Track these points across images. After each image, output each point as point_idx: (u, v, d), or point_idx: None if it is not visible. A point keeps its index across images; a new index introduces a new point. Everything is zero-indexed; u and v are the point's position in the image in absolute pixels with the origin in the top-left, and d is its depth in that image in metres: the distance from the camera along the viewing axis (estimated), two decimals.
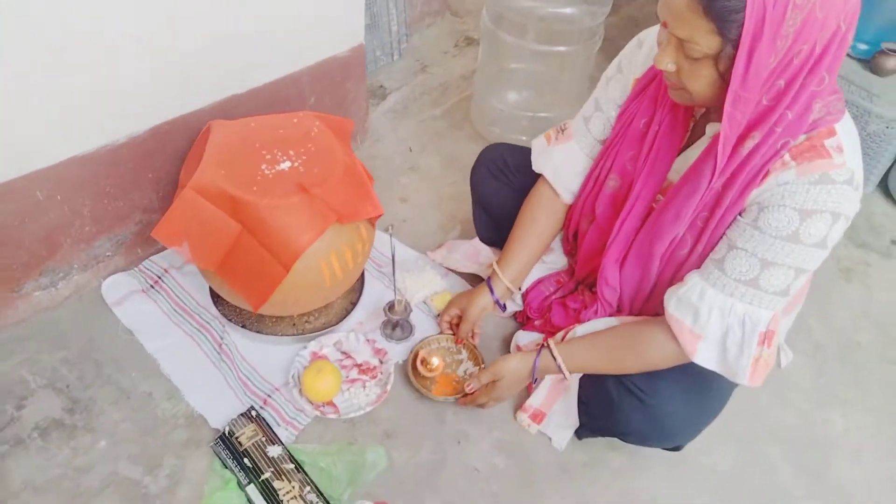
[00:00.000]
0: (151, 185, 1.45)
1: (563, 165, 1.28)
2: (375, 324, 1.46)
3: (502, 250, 1.36)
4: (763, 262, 0.96)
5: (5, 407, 1.26)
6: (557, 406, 1.29)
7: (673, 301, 1.05)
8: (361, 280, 1.52)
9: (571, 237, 1.34)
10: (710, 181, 0.98)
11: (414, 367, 1.35)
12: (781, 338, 1.33)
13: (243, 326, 1.39)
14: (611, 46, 1.99)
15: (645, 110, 1.12)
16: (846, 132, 0.93)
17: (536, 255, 1.37)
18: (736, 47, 0.83)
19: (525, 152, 1.43)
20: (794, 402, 1.42)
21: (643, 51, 1.14)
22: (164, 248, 1.56)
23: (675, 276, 1.11)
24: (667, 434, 1.12)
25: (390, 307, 1.41)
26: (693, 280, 1.03)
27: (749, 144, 0.93)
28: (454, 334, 1.40)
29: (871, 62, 1.85)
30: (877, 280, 1.71)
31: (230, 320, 1.40)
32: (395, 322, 1.44)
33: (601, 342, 1.16)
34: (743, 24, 0.81)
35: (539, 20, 1.67)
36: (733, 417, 1.34)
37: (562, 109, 1.84)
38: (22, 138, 1.20)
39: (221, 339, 1.38)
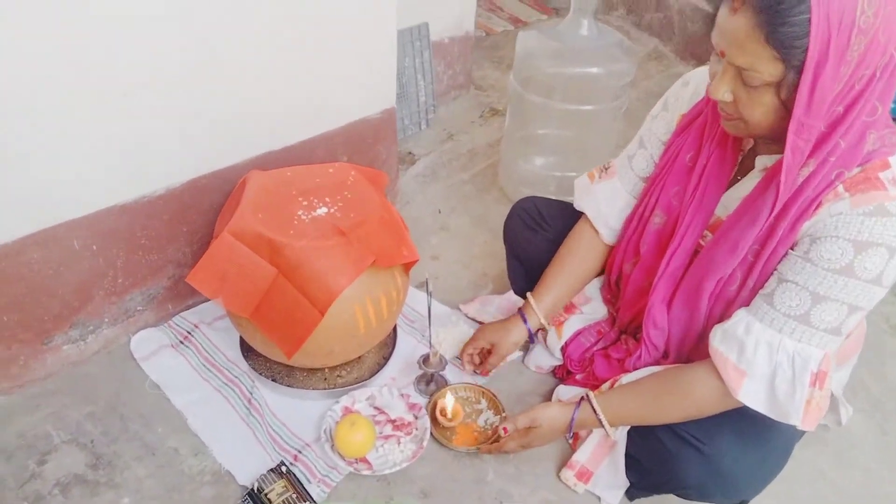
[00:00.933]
0: (185, 238, 1.45)
1: (605, 203, 1.27)
2: (408, 379, 1.41)
3: (537, 283, 1.33)
4: (814, 296, 0.91)
5: (27, 462, 1.21)
6: (606, 463, 1.21)
7: (718, 335, 1.01)
8: (394, 336, 1.48)
9: (614, 283, 1.31)
10: (771, 213, 0.95)
11: (434, 419, 1.29)
12: (839, 390, 1.25)
13: (273, 380, 1.35)
14: (632, 117, 2.04)
15: (690, 144, 1.11)
16: None
17: (572, 292, 1.35)
18: (799, 74, 0.82)
19: (558, 204, 1.42)
20: (858, 461, 1.33)
21: (689, 89, 1.15)
22: (194, 304, 1.54)
23: (723, 314, 1.06)
24: (729, 486, 1.03)
25: (425, 360, 1.36)
26: (740, 314, 0.99)
27: (804, 173, 0.91)
28: (476, 368, 1.37)
29: None
30: None
31: (260, 374, 1.36)
32: (430, 376, 1.39)
33: (641, 388, 1.11)
34: (807, 51, 0.79)
35: (566, 80, 1.71)
36: (794, 479, 1.27)
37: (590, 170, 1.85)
38: (63, 185, 1.22)
39: (251, 393, 1.33)
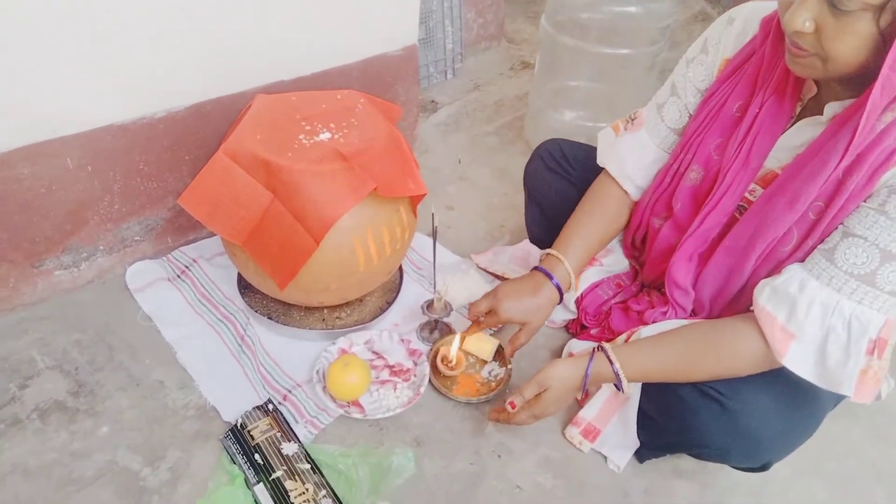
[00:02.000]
0: (187, 167, 1.38)
1: (629, 157, 1.14)
2: (412, 326, 1.32)
3: (556, 239, 1.19)
4: (885, 253, 0.79)
5: (9, 385, 1.16)
6: (615, 421, 1.11)
7: (766, 292, 0.89)
8: (400, 281, 1.40)
9: (639, 241, 1.20)
10: (841, 161, 0.82)
11: (434, 367, 1.21)
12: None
13: (269, 318, 1.28)
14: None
15: (740, 92, 0.97)
16: None
17: (593, 252, 1.19)
18: None
19: (587, 148, 1.31)
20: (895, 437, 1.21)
21: (734, 28, 1.01)
22: (195, 239, 1.48)
23: (770, 274, 0.94)
24: (753, 446, 0.92)
25: (428, 305, 1.28)
26: (793, 270, 0.87)
27: (886, 119, 0.79)
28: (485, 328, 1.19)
29: None
30: None
31: (256, 311, 1.29)
32: (434, 323, 1.30)
33: (668, 342, 0.97)
34: None
35: (602, 20, 1.59)
36: (822, 450, 1.15)
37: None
38: (56, 100, 1.15)
39: (244, 330, 1.27)
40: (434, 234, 1.21)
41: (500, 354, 1.25)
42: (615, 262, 1.27)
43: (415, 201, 1.23)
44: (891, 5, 0.70)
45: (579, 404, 1.16)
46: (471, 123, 1.98)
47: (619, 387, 0.98)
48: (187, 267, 1.41)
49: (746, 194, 0.98)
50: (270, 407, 1.12)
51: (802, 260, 0.89)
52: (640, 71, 1.70)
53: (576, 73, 1.75)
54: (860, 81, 0.80)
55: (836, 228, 0.85)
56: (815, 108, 0.91)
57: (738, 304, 1.02)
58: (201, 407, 1.15)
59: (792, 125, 0.94)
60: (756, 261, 0.95)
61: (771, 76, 0.93)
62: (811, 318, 0.83)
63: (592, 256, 1.22)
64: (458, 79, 2.15)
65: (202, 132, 1.36)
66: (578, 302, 1.26)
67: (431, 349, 1.25)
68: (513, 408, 1.03)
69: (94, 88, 1.19)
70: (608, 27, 1.60)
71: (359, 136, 1.15)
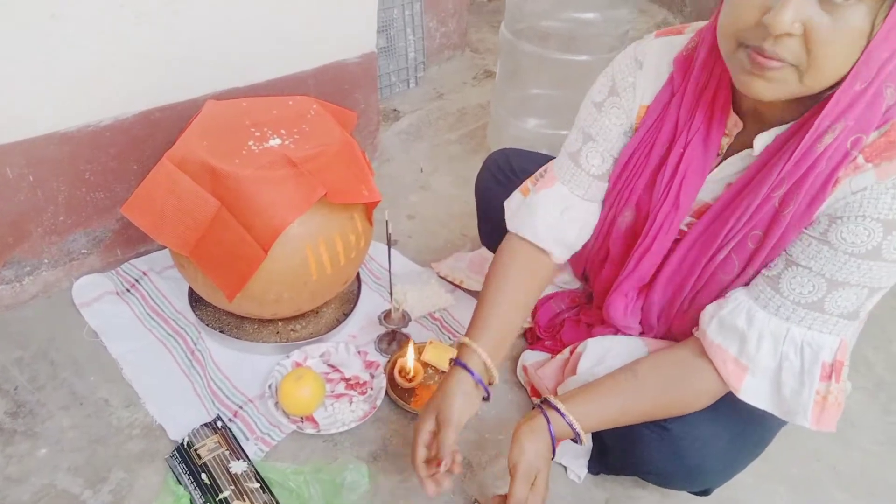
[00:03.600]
0: (136, 176, 1.34)
1: (546, 215, 1.00)
2: (370, 338, 1.29)
3: (470, 322, 1.01)
4: (831, 282, 0.76)
5: None
6: None
7: (714, 324, 0.85)
8: (357, 292, 1.37)
9: (581, 276, 1.16)
10: (775, 189, 0.78)
11: (392, 379, 1.18)
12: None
13: (221, 331, 1.24)
14: None
15: (667, 131, 0.90)
16: None
17: (513, 326, 1.01)
18: None
19: (536, 158, 1.28)
20: (860, 442, 1.20)
21: (647, 73, 0.91)
22: (146, 252, 1.43)
23: (716, 297, 0.90)
24: (692, 471, 0.90)
25: (385, 315, 1.25)
26: (739, 299, 0.84)
27: (826, 141, 0.73)
28: (433, 468, 0.91)
29: None
30: None
31: (207, 325, 1.25)
32: (392, 334, 1.27)
33: (622, 389, 0.90)
34: None
35: (561, 27, 1.59)
36: (785, 455, 1.14)
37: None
38: None
39: (195, 344, 1.22)
40: (388, 243, 1.18)
41: None
42: (567, 281, 1.25)
43: (370, 208, 1.21)
44: None
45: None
46: (433, 132, 1.96)
47: (576, 440, 0.91)
48: (137, 280, 1.36)
49: (682, 227, 0.93)
50: (219, 424, 1.08)
51: (746, 284, 0.86)
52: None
53: (537, 81, 1.74)
54: (801, 105, 0.76)
55: (779, 255, 0.82)
56: (742, 143, 0.85)
57: (686, 316, 0.96)
58: (147, 426, 1.10)
59: (719, 163, 0.88)
60: (694, 288, 0.92)
61: (693, 115, 0.86)
62: (763, 350, 0.81)
63: (514, 332, 1.02)
64: (420, 88, 2.13)
65: (152, 140, 1.32)
66: (534, 312, 1.24)
67: (389, 361, 1.22)
68: None
69: (34, 94, 1.15)
70: (567, 34, 1.60)
71: (310, 143, 1.12)
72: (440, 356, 1.22)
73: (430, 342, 1.24)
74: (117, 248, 1.40)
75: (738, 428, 0.90)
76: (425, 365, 1.22)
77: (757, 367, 0.81)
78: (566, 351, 1.11)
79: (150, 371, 1.18)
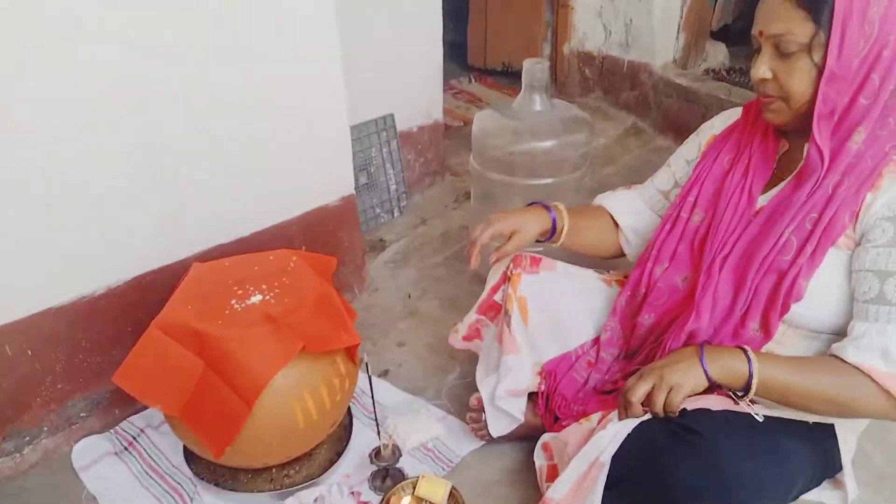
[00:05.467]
0: (131, 338, 1.38)
1: (623, 204, 1.33)
2: (364, 476, 1.30)
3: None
4: None
5: None
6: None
7: (850, 350, 0.95)
8: (349, 429, 1.39)
9: (641, 295, 1.19)
10: (822, 168, 0.97)
11: None
12: (848, 462, 1.12)
13: (216, 484, 1.26)
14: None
15: (729, 150, 1.15)
16: None
17: (587, 237, 1.32)
18: (828, 31, 0.92)
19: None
20: None
21: (723, 115, 1.25)
22: (143, 407, 1.47)
23: (776, 286, 1.00)
24: (726, 485, 0.90)
25: (376, 453, 1.27)
26: (862, 326, 0.95)
27: (857, 139, 0.97)
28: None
29: None
30: None
31: (203, 479, 1.27)
32: (385, 471, 1.28)
33: (803, 362, 1.00)
34: (834, 7, 0.91)
35: (524, 155, 1.69)
36: None
37: None
38: None
39: (191, 500, 1.24)
40: (371, 383, 1.22)
41: (453, 497, 1.23)
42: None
43: (352, 350, 1.26)
44: (817, 40, 0.94)
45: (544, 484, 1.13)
46: (419, 257, 2.04)
47: (745, 391, 0.96)
48: (135, 438, 1.39)
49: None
50: None
51: (804, 272, 0.98)
52: (569, 194, 1.79)
53: (508, 203, 1.83)
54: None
55: (832, 244, 0.98)
56: (786, 164, 1.08)
57: (742, 331, 1.04)
58: None
59: (774, 182, 1.09)
60: (759, 272, 1.02)
61: (754, 136, 1.12)
62: None
63: (585, 240, 1.33)
64: (404, 216, 2.24)
65: (144, 303, 1.39)
66: (549, 379, 1.26)
67: (382, 500, 1.23)
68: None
69: (28, 274, 1.23)
70: (531, 161, 1.70)
71: (290, 296, 1.19)
72: (433, 490, 1.22)
73: (423, 476, 1.25)
74: (115, 408, 1.44)
75: (766, 447, 0.97)
76: (419, 500, 1.23)
77: None
78: (594, 419, 1.13)
79: None
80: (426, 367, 1.61)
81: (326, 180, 1.67)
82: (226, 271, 1.26)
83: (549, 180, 1.72)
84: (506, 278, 1.30)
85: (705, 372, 0.96)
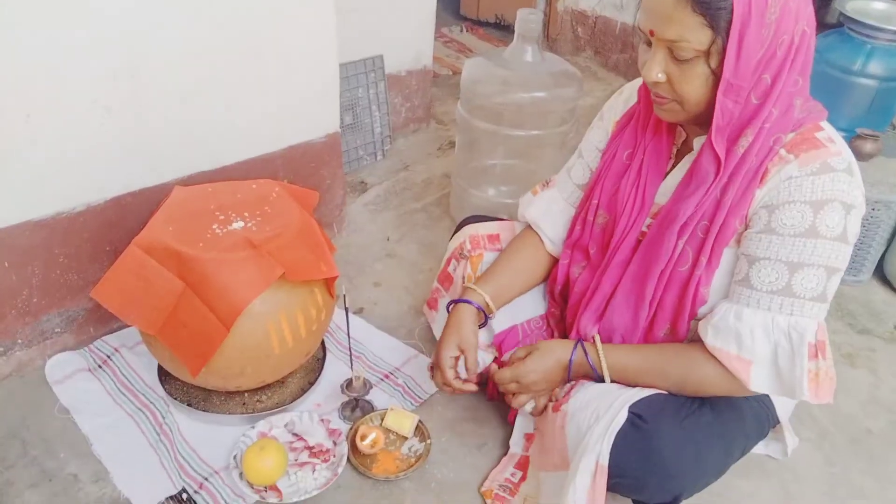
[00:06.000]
0: (108, 258, 1.40)
1: (545, 212, 1.26)
2: (334, 406, 1.34)
3: (479, 277, 1.27)
4: (790, 265, 0.93)
5: None
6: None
7: (709, 332, 1.00)
8: (323, 360, 1.42)
9: (559, 295, 1.26)
10: (716, 178, 0.96)
11: (354, 446, 1.22)
12: (785, 417, 1.19)
13: (189, 405, 1.29)
14: None
15: (626, 143, 1.12)
16: (831, 129, 0.97)
17: (514, 288, 1.25)
18: (726, 38, 0.87)
19: (502, 225, 1.38)
20: (805, 494, 1.25)
21: (622, 97, 1.18)
22: (118, 328, 1.48)
23: (680, 299, 1.03)
24: (664, 471, 0.96)
25: (347, 384, 1.30)
26: (724, 306, 0.99)
27: (743, 143, 0.94)
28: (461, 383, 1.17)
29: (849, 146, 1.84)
30: (884, 366, 1.58)
31: (176, 399, 1.30)
32: (355, 402, 1.32)
33: (647, 348, 1.08)
34: (732, 12, 0.85)
35: (513, 106, 1.70)
36: None
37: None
38: None
39: (164, 418, 1.27)
40: (347, 316, 1.25)
41: (419, 430, 1.27)
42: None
43: (330, 283, 1.28)
44: (714, 48, 0.88)
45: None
46: (399, 202, 2.06)
47: (596, 379, 1.08)
48: (109, 356, 1.41)
49: (644, 228, 1.09)
50: (184, 496, 1.12)
51: (703, 281, 1.00)
52: (553, 149, 1.81)
53: (493, 153, 1.85)
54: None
55: (725, 247, 0.99)
56: (686, 150, 1.06)
57: (651, 335, 1.09)
58: (115, 499, 1.14)
59: (672, 168, 1.08)
60: (658, 285, 1.04)
61: (648, 127, 1.08)
62: (757, 341, 0.95)
63: (514, 291, 1.26)
64: (387, 160, 2.24)
65: (123, 223, 1.39)
66: (498, 348, 1.28)
67: (351, 428, 1.27)
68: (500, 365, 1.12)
69: (7, 185, 1.22)
70: (519, 112, 1.71)
71: (271, 224, 1.20)
72: (401, 422, 1.27)
73: (392, 408, 1.29)
74: (90, 326, 1.45)
75: (709, 433, 1.01)
76: (387, 431, 1.27)
77: (756, 357, 0.96)
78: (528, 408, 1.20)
79: (119, 445, 1.23)
80: (401, 307, 1.64)
81: (313, 116, 1.66)
82: (208, 196, 1.26)
83: (535, 132, 1.73)
84: (459, 256, 1.34)
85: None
